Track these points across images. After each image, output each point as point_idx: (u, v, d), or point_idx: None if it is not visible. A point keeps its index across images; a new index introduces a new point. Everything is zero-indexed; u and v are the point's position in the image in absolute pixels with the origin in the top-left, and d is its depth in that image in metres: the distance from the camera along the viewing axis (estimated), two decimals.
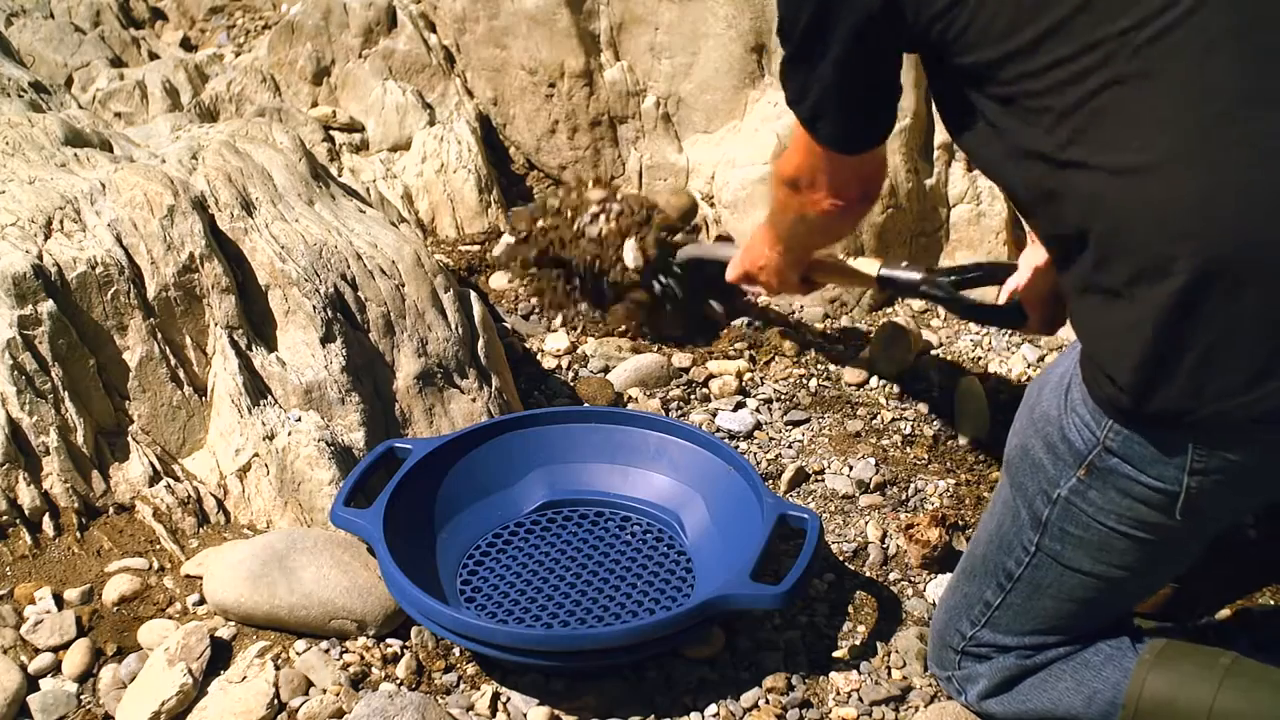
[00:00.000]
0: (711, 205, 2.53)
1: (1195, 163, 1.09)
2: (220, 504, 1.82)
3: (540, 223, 2.36)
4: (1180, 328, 1.11)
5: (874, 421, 2.12)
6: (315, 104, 2.89)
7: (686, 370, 2.24)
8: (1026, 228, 2.01)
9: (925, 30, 1.25)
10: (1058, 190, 1.19)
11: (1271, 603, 1.69)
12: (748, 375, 2.22)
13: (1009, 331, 2.35)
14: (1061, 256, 1.24)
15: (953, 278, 1.92)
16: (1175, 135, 1.10)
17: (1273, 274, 1.07)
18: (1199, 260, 1.08)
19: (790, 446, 2.05)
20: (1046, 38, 1.15)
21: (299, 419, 1.83)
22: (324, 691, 1.49)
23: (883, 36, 1.31)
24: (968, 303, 1.94)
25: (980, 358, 2.29)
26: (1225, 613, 1.68)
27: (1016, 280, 1.83)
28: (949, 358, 2.29)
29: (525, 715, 1.50)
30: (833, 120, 1.43)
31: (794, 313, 2.43)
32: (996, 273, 1.93)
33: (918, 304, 2.47)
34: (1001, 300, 1.89)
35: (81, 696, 1.51)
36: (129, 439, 1.82)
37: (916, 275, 1.93)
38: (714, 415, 2.12)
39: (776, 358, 2.29)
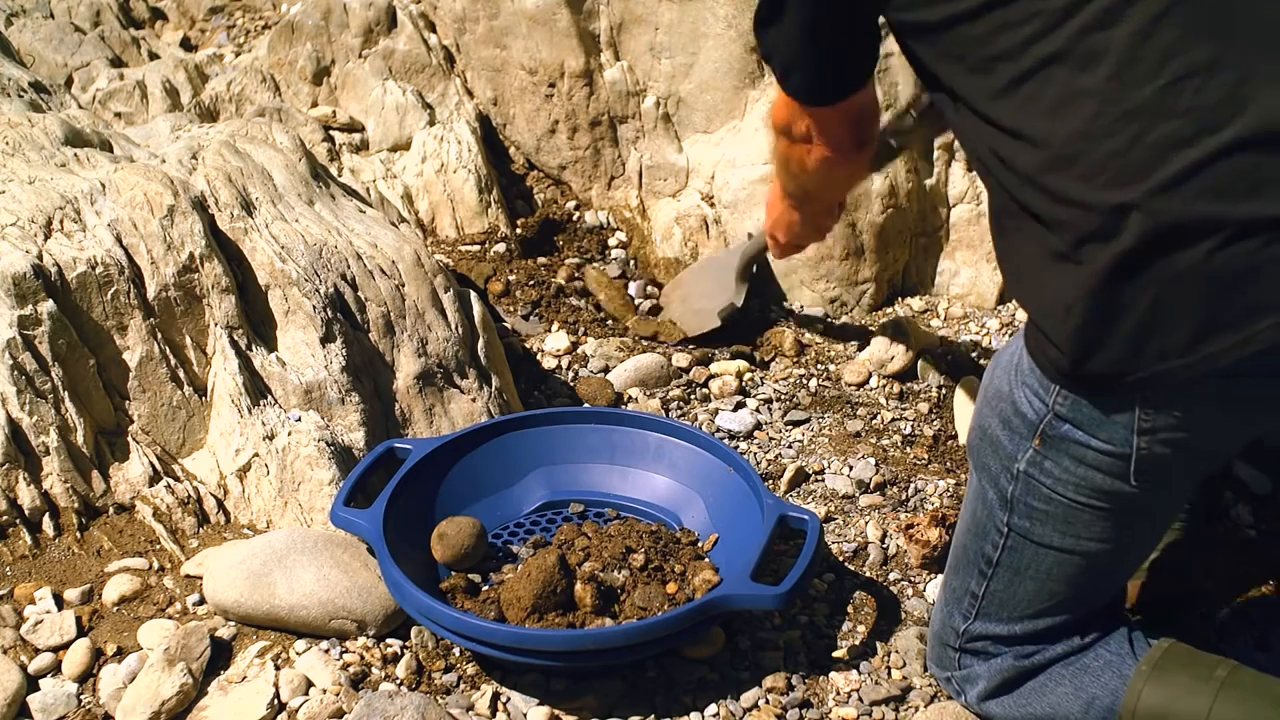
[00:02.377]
0: (712, 205, 2.53)
1: (1142, 130, 1.09)
2: (220, 504, 1.82)
3: None
4: (1122, 288, 1.11)
5: (874, 421, 2.12)
6: (315, 104, 2.88)
7: (686, 370, 2.24)
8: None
9: None
10: (1004, 157, 1.19)
11: (1273, 601, 1.69)
12: (748, 375, 2.22)
13: (1009, 332, 2.35)
14: (1012, 224, 1.23)
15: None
16: (1122, 106, 1.10)
17: (1211, 237, 1.07)
18: (1145, 224, 1.08)
19: (790, 446, 2.05)
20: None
21: (299, 419, 1.83)
22: (324, 691, 1.49)
23: None
24: None
25: (980, 358, 2.29)
26: (1226, 612, 1.68)
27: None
28: (949, 358, 2.28)
29: (525, 715, 1.50)
30: (802, 73, 1.45)
31: (794, 312, 2.43)
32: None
33: (917, 304, 2.47)
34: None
35: (81, 696, 1.51)
36: (129, 439, 1.82)
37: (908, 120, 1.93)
38: (714, 415, 2.12)
39: (777, 358, 2.29)
